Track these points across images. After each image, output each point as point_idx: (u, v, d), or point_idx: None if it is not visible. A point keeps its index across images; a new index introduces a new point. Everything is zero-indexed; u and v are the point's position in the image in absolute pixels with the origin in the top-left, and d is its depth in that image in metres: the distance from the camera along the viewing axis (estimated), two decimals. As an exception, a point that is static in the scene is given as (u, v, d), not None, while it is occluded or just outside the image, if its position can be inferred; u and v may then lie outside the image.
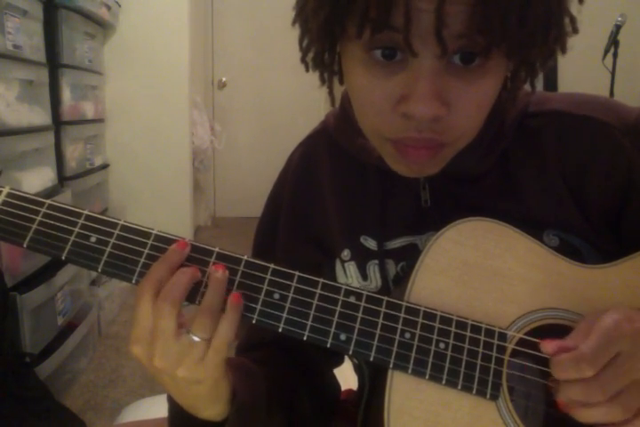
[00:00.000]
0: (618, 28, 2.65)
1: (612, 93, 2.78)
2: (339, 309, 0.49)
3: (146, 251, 0.48)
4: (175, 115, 2.80)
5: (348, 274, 0.62)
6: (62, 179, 1.94)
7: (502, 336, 0.50)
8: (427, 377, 0.48)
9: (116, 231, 0.49)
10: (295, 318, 0.48)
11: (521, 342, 0.50)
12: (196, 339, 0.45)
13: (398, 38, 0.42)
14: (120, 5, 2.57)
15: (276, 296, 0.49)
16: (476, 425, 0.49)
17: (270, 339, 0.65)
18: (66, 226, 0.49)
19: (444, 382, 0.48)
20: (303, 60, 0.51)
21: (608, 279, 0.53)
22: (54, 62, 1.89)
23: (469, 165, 0.57)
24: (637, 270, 0.54)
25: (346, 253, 0.62)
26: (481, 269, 0.52)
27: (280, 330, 0.48)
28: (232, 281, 0.48)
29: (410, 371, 0.48)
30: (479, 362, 0.49)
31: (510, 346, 0.50)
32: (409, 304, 0.50)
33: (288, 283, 0.49)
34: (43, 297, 1.53)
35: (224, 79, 3.96)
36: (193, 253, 0.48)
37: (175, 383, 0.47)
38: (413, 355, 0.49)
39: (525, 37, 0.42)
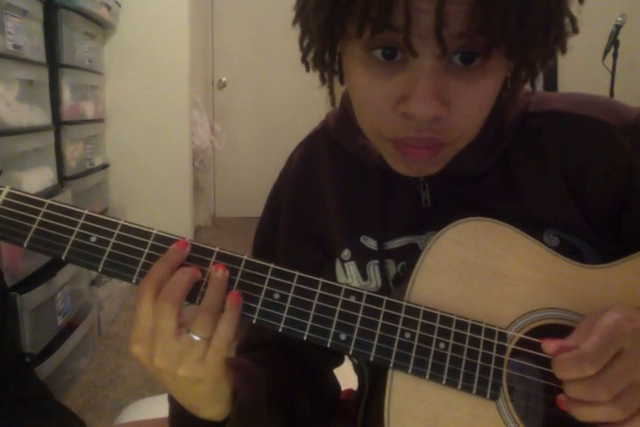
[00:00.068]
0: (618, 28, 2.65)
1: (612, 93, 2.78)
2: (339, 308, 0.49)
3: (146, 251, 0.48)
4: (175, 115, 2.80)
5: (348, 274, 0.62)
6: (62, 179, 1.94)
7: (502, 336, 0.50)
8: (427, 377, 0.48)
9: (117, 231, 0.49)
10: (295, 318, 0.48)
11: (521, 342, 0.50)
12: (196, 338, 0.45)
13: (398, 38, 0.42)
14: (120, 5, 2.57)
15: (277, 296, 0.49)
16: (476, 425, 0.49)
17: (270, 339, 0.65)
18: (66, 226, 0.49)
19: (444, 381, 0.48)
20: (304, 59, 0.51)
21: (608, 279, 0.53)
22: (54, 62, 1.89)
23: (470, 164, 0.57)
24: (637, 270, 0.54)
25: (346, 253, 0.62)
26: (481, 269, 0.52)
27: (280, 330, 0.48)
28: (232, 281, 0.48)
29: (410, 371, 0.48)
30: (479, 362, 0.49)
31: (510, 346, 0.50)
32: (409, 304, 0.50)
33: (288, 283, 0.49)
34: (43, 297, 1.53)
35: (224, 79, 3.96)
36: (193, 253, 0.48)
37: (176, 383, 0.47)
38: (413, 355, 0.49)
39: (525, 37, 0.42)
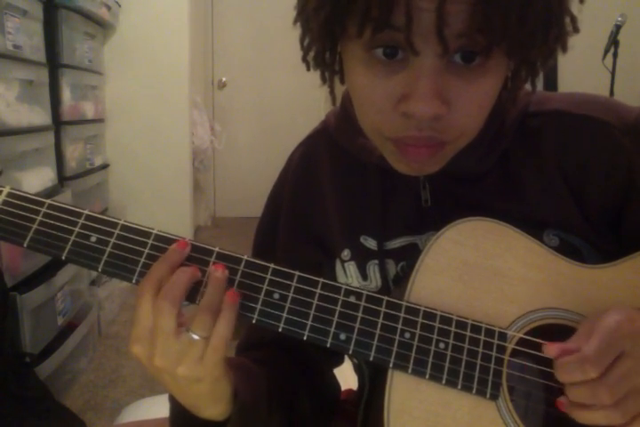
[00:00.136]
0: (618, 28, 2.65)
1: (611, 93, 2.78)
2: (339, 308, 0.49)
3: (146, 251, 0.48)
4: (175, 115, 2.80)
5: (347, 274, 0.62)
6: (62, 179, 1.94)
7: (502, 336, 0.50)
8: (427, 377, 0.48)
9: (117, 231, 0.49)
10: (295, 318, 0.48)
11: (521, 342, 0.50)
12: (195, 337, 0.45)
13: (399, 37, 0.42)
14: (120, 5, 2.57)
15: (276, 296, 0.49)
16: (476, 425, 0.49)
17: (270, 339, 0.65)
18: (66, 226, 0.49)
19: (443, 381, 0.48)
20: (304, 59, 0.51)
21: (608, 279, 0.53)
22: (54, 62, 1.89)
23: (470, 164, 0.57)
24: (637, 270, 0.54)
25: (346, 253, 0.62)
26: (481, 269, 0.52)
27: (280, 330, 0.48)
28: (232, 281, 0.48)
29: (410, 371, 0.48)
30: (479, 362, 0.49)
31: (510, 346, 0.50)
32: (409, 304, 0.50)
33: (288, 283, 0.49)
34: (43, 297, 1.53)
35: (224, 79, 3.96)
36: (193, 253, 0.49)
37: (176, 382, 0.47)
38: (413, 355, 0.49)
39: (526, 36, 0.42)
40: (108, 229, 0.49)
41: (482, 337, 0.50)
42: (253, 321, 0.48)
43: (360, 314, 0.49)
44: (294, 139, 0.72)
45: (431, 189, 0.59)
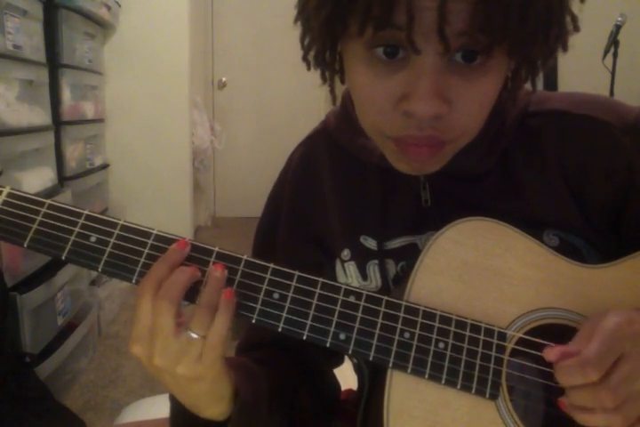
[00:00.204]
0: (618, 28, 2.65)
1: (611, 93, 2.78)
2: (338, 308, 0.49)
3: (146, 251, 0.49)
4: (175, 115, 2.80)
5: (347, 274, 0.62)
6: (62, 179, 1.94)
7: (502, 336, 0.50)
8: (426, 377, 0.48)
9: (117, 231, 0.49)
10: (295, 318, 0.48)
11: (521, 342, 0.50)
12: (194, 336, 0.45)
13: (401, 36, 0.42)
14: (120, 5, 2.57)
15: (276, 296, 0.49)
16: (476, 425, 0.49)
17: (270, 339, 0.65)
18: (66, 226, 0.49)
19: (443, 381, 0.48)
20: (304, 58, 0.51)
21: (608, 279, 0.53)
22: (54, 62, 1.89)
23: (470, 164, 0.57)
24: (637, 270, 0.54)
25: (346, 253, 0.62)
26: (481, 269, 0.52)
27: (280, 329, 0.48)
28: (232, 280, 0.48)
29: (409, 370, 0.48)
30: (478, 361, 0.49)
31: (510, 345, 0.50)
32: (408, 304, 0.50)
33: (288, 282, 0.49)
34: (43, 297, 1.53)
35: (224, 79, 3.96)
36: (193, 253, 0.49)
37: (175, 381, 0.47)
38: (413, 354, 0.49)
39: (527, 35, 0.42)
40: (108, 229, 0.49)
41: (481, 337, 0.50)
42: (253, 321, 0.48)
43: (360, 314, 0.49)
44: (294, 139, 0.72)
45: (431, 189, 0.59)
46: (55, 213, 0.49)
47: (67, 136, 1.98)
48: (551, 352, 0.46)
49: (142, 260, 0.48)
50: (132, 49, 2.67)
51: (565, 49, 0.47)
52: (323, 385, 0.68)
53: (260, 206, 0.69)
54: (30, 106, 1.66)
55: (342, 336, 0.48)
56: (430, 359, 0.49)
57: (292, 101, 3.97)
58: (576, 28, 0.46)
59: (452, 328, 0.50)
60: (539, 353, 0.48)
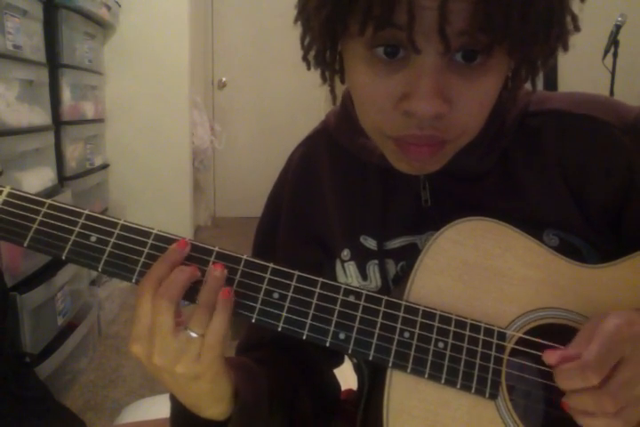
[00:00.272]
0: (618, 28, 2.65)
1: (611, 93, 2.78)
2: (338, 308, 0.49)
3: (146, 250, 0.49)
4: (175, 115, 2.80)
5: (347, 274, 0.62)
6: (62, 179, 1.94)
7: (501, 335, 0.50)
8: (426, 376, 0.48)
9: (117, 231, 0.49)
10: (294, 317, 0.48)
11: (520, 342, 0.50)
12: (193, 335, 0.45)
13: (401, 36, 0.42)
14: (120, 5, 2.57)
15: (276, 295, 0.49)
16: (475, 424, 0.49)
17: (270, 338, 0.65)
18: (66, 226, 0.49)
19: (443, 381, 0.49)
20: (305, 58, 0.51)
21: (608, 279, 0.53)
22: (54, 62, 1.89)
23: (470, 164, 0.57)
24: (637, 270, 0.54)
25: (346, 253, 0.62)
26: (480, 269, 0.52)
27: (279, 329, 0.48)
28: (232, 280, 0.48)
29: (409, 370, 0.48)
30: (478, 361, 0.49)
31: (509, 345, 0.50)
32: (408, 303, 0.50)
33: (288, 282, 0.49)
34: (43, 297, 1.53)
35: (224, 79, 3.96)
36: (193, 253, 0.49)
37: (175, 381, 0.47)
38: (412, 354, 0.49)
39: (527, 35, 0.42)
40: (108, 228, 0.49)
41: (481, 336, 0.50)
42: (253, 320, 0.48)
43: (359, 313, 0.49)
44: (294, 139, 0.72)
45: (431, 188, 0.59)
46: (55, 213, 0.49)
47: (67, 136, 1.98)
48: (551, 356, 0.46)
49: (142, 259, 0.48)
50: (132, 49, 2.67)
51: (566, 49, 0.47)
52: (323, 385, 0.67)
53: (260, 206, 0.69)
54: (30, 106, 1.67)
55: (342, 336, 0.48)
56: (430, 359, 0.49)
57: (292, 101, 3.97)
58: (576, 28, 0.46)
59: (452, 328, 0.50)
60: (538, 353, 0.48)
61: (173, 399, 0.52)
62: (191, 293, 0.47)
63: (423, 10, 0.41)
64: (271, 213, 0.68)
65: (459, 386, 0.49)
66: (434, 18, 0.41)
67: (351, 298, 0.49)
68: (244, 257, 0.49)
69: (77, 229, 0.49)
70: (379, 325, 0.49)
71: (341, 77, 0.52)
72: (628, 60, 2.85)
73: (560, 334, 0.50)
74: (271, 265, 0.49)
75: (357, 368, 0.64)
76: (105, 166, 2.53)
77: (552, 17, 0.43)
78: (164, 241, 0.49)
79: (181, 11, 2.73)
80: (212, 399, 0.49)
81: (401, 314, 0.49)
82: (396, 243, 0.60)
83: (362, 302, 0.49)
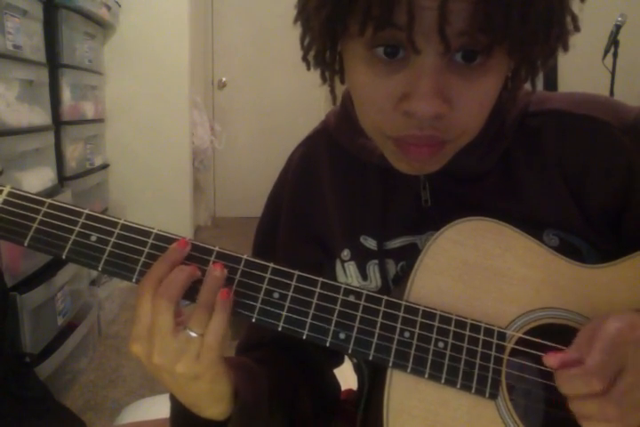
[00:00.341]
0: (618, 28, 2.65)
1: (612, 93, 2.78)
2: (338, 307, 0.49)
3: (146, 250, 0.49)
4: (175, 115, 2.80)
5: (347, 274, 0.62)
6: (62, 179, 1.94)
7: (501, 335, 0.50)
8: (426, 376, 0.48)
9: (117, 230, 0.49)
10: (295, 317, 0.48)
11: (520, 342, 0.50)
12: (192, 335, 0.45)
13: (401, 36, 0.42)
14: (120, 5, 2.57)
15: (276, 295, 0.49)
16: (475, 424, 0.49)
17: (270, 338, 0.65)
18: (67, 225, 0.49)
19: (443, 381, 0.49)
20: (304, 58, 0.51)
21: (608, 279, 0.53)
22: (54, 62, 1.89)
23: (470, 164, 0.57)
24: (637, 270, 0.54)
25: (346, 253, 0.62)
26: (480, 269, 0.52)
27: (280, 329, 0.48)
28: (232, 280, 0.49)
29: (409, 370, 0.48)
30: (478, 361, 0.49)
31: (509, 345, 0.50)
32: (408, 303, 0.50)
33: (288, 282, 0.49)
34: (43, 297, 1.53)
35: (224, 79, 3.96)
36: (193, 252, 0.49)
37: (174, 380, 0.47)
38: (413, 354, 0.49)
39: (527, 35, 0.42)
40: (109, 228, 0.49)
41: (481, 336, 0.50)
42: (253, 320, 0.48)
43: (359, 313, 0.49)
44: (294, 139, 0.72)
45: (431, 188, 0.59)
46: (56, 213, 0.49)
47: (67, 136, 1.98)
48: (551, 358, 0.46)
49: (143, 259, 0.48)
50: (132, 49, 2.67)
51: (566, 49, 0.47)
52: (323, 385, 0.68)
53: (260, 206, 0.69)
54: (30, 106, 1.67)
55: (342, 335, 0.48)
56: (430, 359, 0.49)
57: (292, 101, 3.97)
58: (576, 28, 0.46)
59: (452, 328, 0.50)
60: (538, 353, 0.48)
61: (173, 399, 0.52)
62: (191, 292, 0.47)
63: (423, 10, 0.41)
64: (271, 213, 0.68)
65: (459, 386, 0.49)
66: (433, 18, 0.41)
67: (351, 298, 0.49)
68: (245, 257, 0.49)
69: (78, 228, 0.49)
70: (379, 324, 0.49)
71: (341, 78, 0.52)
72: (628, 60, 2.85)
73: (560, 334, 0.50)
74: (271, 265, 0.49)
75: (357, 368, 0.64)
76: (105, 166, 2.53)
77: (552, 17, 0.43)
78: (165, 241, 0.49)
79: (181, 11, 2.73)
80: (212, 399, 0.49)
81: (401, 314, 0.49)
82: (396, 243, 0.60)
83: (362, 302, 0.49)
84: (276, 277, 0.49)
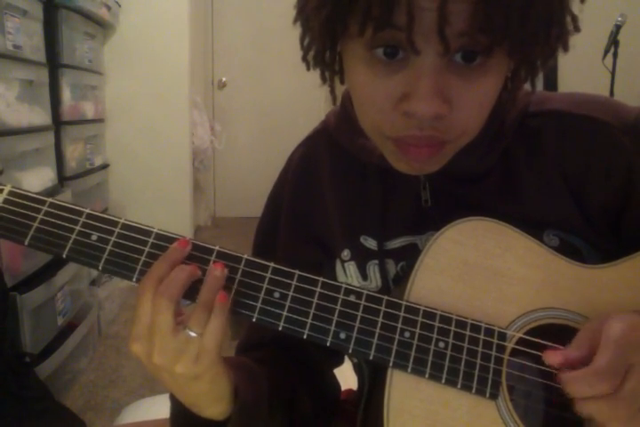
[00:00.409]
0: (618, 28, 2.65)
1: (611, 93, 2.78)
2: (339, 307, 0.49)
3: (147, 249, 0.49)
4: (175, 115, 2.80)
5: (347, 274, 0.62)
6: (62, 179, 1.94)
7: (502, 335, 0.50)
8: (426, 376, 0.48)
9: (117, 230, 0.49)
10: (295, 317, 0.48)
11: (521, 342, 0.50)
12: (192, 335, 0.45)
13: (400, 36, 0.42)
14: (120, 5, 2.57)
15: (277, 295, 0.49)
16: (476, 424, 0.49)
17: (270, 338, 0.65)
18: (67, 224, 0.49)
19: (443, 381, 0.49)
20: (304, 58, 0.51)
21: (608, 279, 0.53)
22: (54, 62, 1.89)
23: (470, 164, 0.57)
24: (637, 270, 0.54)
25: (346, 253, 0.62)
26: (481, 269, 0.52)
27: (280, 328, 0.48)
28: (232, 279, 0.48)
29: (409, 370, 0.48)
30: (478, 361, 0.49)
31: (510, 345, 0.50)
32: (409, 303, 0.50)
33: (288, 281, 0.49)
34: (43, 297, 1.53)
35: (224, 79, 3.96)
36: (194, 252, 0.49)
37: (174, 380, 0.47)
38: (413, 354, 0.49)
39: (527, 36, 0.42)
40: (109, 227, 0.49)
41: (481, 336, 0.50)
42: (254, 319, 0.48)
43: (360, 313, 0.49)
44: (294, 139, 0.72)
45: (431, 189, 0.59)
46: (56, 212, 0.49)
47: (67, 136, 1.98)
48: (551, 356, 0.46)
49: (143, 258, 0.48)
50: (132, 49, 2.67)
51: (566, 49, 0.47)
52: (323, 385, 0.68)
53: (260, 206, 0.69)
54: (30, 106, 1.67)
55: (343, 335, 0.48)
56: (430, 359, 0.49)
57: (292, 101, 3.97)
58: (576, 28, 0.46)
59: (453, 328, 0.50)
60: (539, 353, 0.48)
61: (173, 399, 0.52)
62: (192, 292, 0.47)
63: (422, 11, 0.41)
64: (271, 213, 0.68)
65: (459, 386, 0.49)
66: (433, 19, 0.41)
67: (352, 298, 0.49)
68: (245, 256, 0.49)
69: (78, 227, 0.49)
70: (379, 324, 0.49)
71: (341, 78, 0.52)
72: (628, 60, 2.85)
73: (560, 334, 0.50)
74: (272, 264, 0.49)
75: (357, 368, 0.64)
76: (105, 166, 2.53)
77: (552, 17, 0.43)
78: (165, 240, 0.49)
79: (181, 11, 2.73)
80: (212, 399, 0.49)
81: (401, 314, 0.49)
82: (396, 243, 0.60)
83: (362, 302, 0.49)
84: (277, 277, 0.49)
